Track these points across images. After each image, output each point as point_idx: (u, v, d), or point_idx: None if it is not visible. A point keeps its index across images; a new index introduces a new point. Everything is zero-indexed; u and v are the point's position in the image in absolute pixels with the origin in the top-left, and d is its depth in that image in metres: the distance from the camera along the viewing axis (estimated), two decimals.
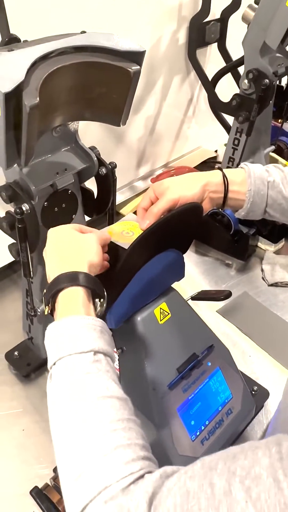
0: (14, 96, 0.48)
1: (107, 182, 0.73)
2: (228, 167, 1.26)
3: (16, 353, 0.90)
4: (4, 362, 0.90)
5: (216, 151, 1.55)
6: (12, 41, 0.59)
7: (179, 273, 0.69)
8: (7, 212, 0.69)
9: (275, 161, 1.44)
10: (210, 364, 0.72)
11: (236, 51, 1.20)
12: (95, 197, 0.78)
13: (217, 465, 0.35)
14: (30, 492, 0.66)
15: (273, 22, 0.97)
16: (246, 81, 1.10)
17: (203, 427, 0.70)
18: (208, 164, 1.49)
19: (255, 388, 0.83)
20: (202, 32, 1.21)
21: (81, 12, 0.93)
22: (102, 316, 0.55)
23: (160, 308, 0.66)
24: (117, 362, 0.70)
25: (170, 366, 0.67)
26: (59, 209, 0.73)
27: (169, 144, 1.43)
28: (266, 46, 1.03)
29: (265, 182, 0.65)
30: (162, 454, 0.67)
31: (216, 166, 0.69)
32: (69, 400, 0.41)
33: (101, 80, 0.58)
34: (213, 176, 0.65)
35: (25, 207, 0.63)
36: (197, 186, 0.63)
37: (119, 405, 0.41)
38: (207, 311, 1.02)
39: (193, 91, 1.38)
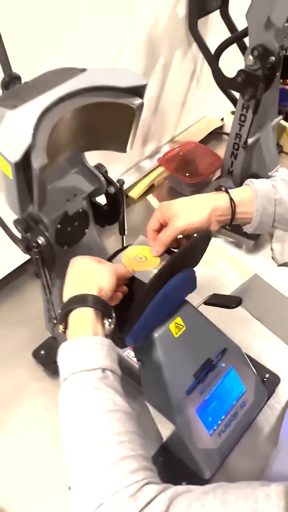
0: (23, 160, 0.49)
1: (116, 199, 0.75)
2: (235, 143, 1.24)
3: (42, 351, 0.97)
4: (33, 360, 0.97)
5: (222, 119, 1.51)
6: (13, 80, 0.59)
7: (192, 286, 0.72)
8: (23, 237, 0.72)
9: (283, 129, 1.41)
10: (224, 365, 0.77)
11: (240, 17, 1.13)
12: (106, 209, 0.79)
13: (229, 501, 0.41)
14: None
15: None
16: (251, 57, 1.05)
17: (219, 422, 0.77)
18: (214, 137, 1.46)
19: (267, 375, 0.89)
20: (203, 1, 1.14)
21: None
22: (120, 338, 0.60)
23: (175, 323, 0.71)
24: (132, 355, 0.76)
25: (187, 373, 0.72)
26: (72, 227, 0.76)
27: (174, 118, 1.40)
28: (271, 21, 0.97)
29: (272, 200, 0.66)
30: (183, 449, 0.74)
31: (223, 189, 0.69)
32: (79, 412, 0.47)
33: (105, 117, 0.58)
34: (220, 200, 0.66)
35: (40, 240, 0.66)
36: (205, 213, 0.64)
37: (125, 418, 0.47)
38: None
39: (196, 62, 1.32)
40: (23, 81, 0.61)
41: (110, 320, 0.56)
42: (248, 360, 0.82)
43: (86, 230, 0.79)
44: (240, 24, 1.13)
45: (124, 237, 0.84)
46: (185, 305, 0.72)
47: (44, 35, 0.86)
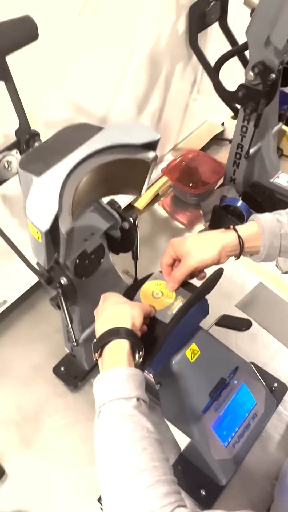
0: (52, 227, 0.53)
1: (130, 233, 0.78)
2: (237, 153, 1.27)
3: (62, 368, 1.02)
4: (53, 376, 1.03)
5: (223, 124, 1.53)
6: (33, 137, 0.62)
7: (205, 313, 0.77)
8: (45, 275, 0.76)
9: (283, 133, 1.44)
10: (236, 382, 0.83)
11: (240, 28, 1.14)
12: (120, 240, 0.84)
13: None
14: (98, 500, 0.81)
15: (279, 21, 0.93)
16: (251, 73, 1.07)
17: (233, 434, 0.83)
18: (216, 142, 1.49)
19: (275, 384, 0.95)
20: (202, 17, 1.15)
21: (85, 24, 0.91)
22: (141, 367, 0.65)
23: (191, 349, 0.76)
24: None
25: (203, 393, 0.78)
26: (89, 260, 0.80)
27: (176, 126, 1.42)
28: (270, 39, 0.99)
29: (278, 235, 0.70)
30: (201, 460, 0.81)
31: (231, 227, 0.73)
32: (116, 437, 0.52)
33: (122, 170, 0.62)
34: (229, 238, 0.70)
35: (63, 280, 0.70)
36: (215, 250, 0.69)
37: (156, 444, 0.52)
38: (227, 306, 1.11)
39: (196, 72, 1.34)
40: (40, 134, 0.65)
41: (140, 353, 0.61)
42: (257, 374, 0.88)
43: (102, 260, 0.84)
44: (240, 34, 1.14)
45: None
46: (199, 331, 0.77)
47: (49, 70, 0.88)
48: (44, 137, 0.68)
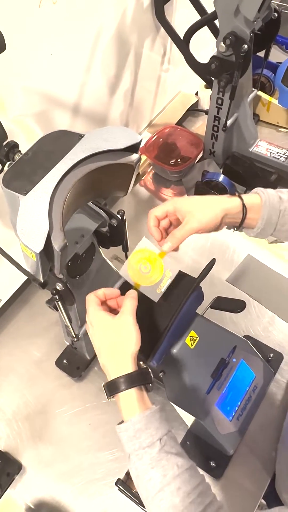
0: (45, 246, 0.53)
1: (119, 229, 0.79)
2: (214, 126, 1.26)
3: (64, 360, 1.04)
4: (56, 369, 1.05)
5: (196, 93, 1.50)
6: (12, 149, 0.61)
7: (201, 300, 0.79)
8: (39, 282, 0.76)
9: (258, 98, 1.42)
10: (235, 360, 0.86)
11: None
12: (109, 235, 0.84)
13: None
14: (116, 484, 0.86)
15: None
16: (223, 44, 1.05)
17: (236, 408, 0.87)
18: (192, 113, 1.46)
19: (271, 355, 0.99)
20: None
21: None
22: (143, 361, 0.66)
23: (190, 336, 0.78)
24: None
25: (205, 376, 0.81)
26: (81, 260, 0.80)
27: (150, 101, 1.39)
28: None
29: (277, 211, 0.69)
30: (208, 435, 0.85)
31: (236, 194, 0.71)
32: (150, 485, 0.56)
33: (106, 175, 0.61)
34: (233, 204, 0.69)
35: (58, 286, 0.71)
36: (218, 216, 0.68)
37: (189, 475, 0.56)
38: (218, 282, 1.14)
39: (165, 44, 1.30)
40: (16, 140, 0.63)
41: (151, 384, 0.62)
42: (254, 348, 0.91)
43: (93, 257, 0.84)
44: (208, 1, 1.10)
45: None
46: (196, 317, 0.79)
47: (16, 63, 0.85)
48: (17, 137, 0.66)
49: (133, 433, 0.58)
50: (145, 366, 0.62)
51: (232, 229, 0.74)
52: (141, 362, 0.63)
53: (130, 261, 0.71)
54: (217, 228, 0.70)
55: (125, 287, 0.68)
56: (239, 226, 0.72)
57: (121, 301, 0.66)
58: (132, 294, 0.65)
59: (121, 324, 0.63)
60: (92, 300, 0.66)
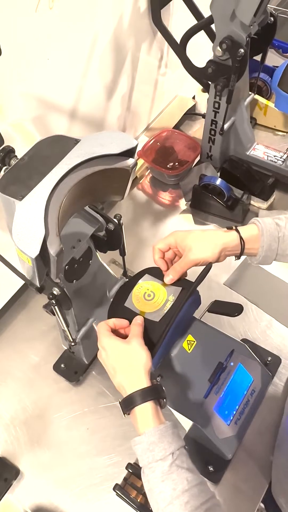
0: (41, 251, 0.53)
1: (116, 233, 0.79)
2: (211, 130, 1.26)
3: (62, 365, 1.04)
4: (54, 373, 1.05)
5: (193, 97, 1.50)
6: (8, 154, 0.61)
7: (198, 304, 0.79)
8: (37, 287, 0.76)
9: (255, 101, 1.42)
10: (232, 364, 0.86)
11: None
12: (106, 239, 0.84)
13: None
14: (114, 489, 0.85)
15: None
16: (219, 48, 1.05)
17: (234, 412, 0.86)
18: (189, 117, 1.46)
19: (269, 358, 0.99)
20: None
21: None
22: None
23: (187, 340, 0.78)
24: None
25: (203, 380, 0.81)
26: (78, 264, 0.80)
27: (147, 105, 1.40)
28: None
29: (276, 238, 0.73)
30: (206, 440, 0.85)
31: (233, 228, 0.74)
32: (161, 497, 0.57)
33: (102, 179, 0.62)
34: (231, 238, 0.73)
35: (55, 291, 0.71)
36: (216, 249, 0.72)
37: (198, 491, 0.57)
38: (215, 286, 1.14)
39: (162, 48, 1.30)
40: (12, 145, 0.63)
41: (164, 400, 0.65)
42: (251, 352, 0.91)
43: (90, 262, 0.84)
44: (205, 6, 1.10)
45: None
46: (193, 321, 0.79)
47: (14, 68, 0.85)
48: (13, 142, 0.66)
49: (147, 445, 0.60)
50: (158, 382, 0.65)
51: (234, 258, 0.78)
52: (153, 380, 0.66)
53: (134, 292, 0.75)
54: (217, 260, 0.74)
55: (129, 312, 0.73)
56: (239, 256, 0.76)
57: (128, 330, 0.70)
58: (138, 321, 0.70)
59: (132, 346, 0.67)
60: (103, 327, 0.69)
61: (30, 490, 0.91)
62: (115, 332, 0.71)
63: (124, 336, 0.70)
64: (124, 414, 0.64)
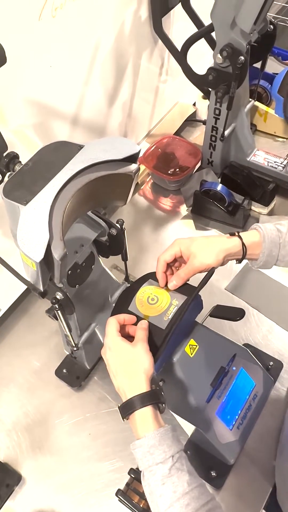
0: (45, 255, 0.54)
1: (119, 238, 0.79)
2: (212, 136, 1.27)
3: (64, 370, 1.04)
4: (56, 378, 1.05)
5: (194, 104, 1.52)
6: (12, 160, 0.62)
7: (200, 308, 0.79)
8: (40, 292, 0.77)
9: (255, 108, 1.44)
10: (234, 368, 0.86)
11: (204, 8, 1.11)
12: (108, 244, 0.84)
13: None
14: (116, 494, 0.85)
15: (245, 3, 0.91)
16: (219, 55, 1.06)
17: (237, 417, 0.87)
18: (190, 124, 1.47)
19: (271, 363, 0.99)
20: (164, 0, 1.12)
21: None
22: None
23: (190, 345, 0.78)
24: None
25: (205, 384, 0.81)
26: (81, 269, 0.81)
27: (148, 112, 1.41)
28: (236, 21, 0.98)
29: (277, 244, 0.74)
30: (208, 444, 0.85)
31: (236, 234, 0.75)
32: (161, 500, 0.57)
33: (105, 185, 0.62)
34: (233, 244, 0.75)
35: (58, 295, 0.71)
36: (220, 257, 0.73)
37: (198, 493, 0.57)
38: (217, 291, 1.14)
39: (163, 55, 1.31)
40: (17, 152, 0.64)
41: (164, 404, 0.65)
42: (253, 357, 0.91)
43: (92, 266, 0.85)
44: (205, 14, 1.12)
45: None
46: (195, 326, 0.80)
47: (17, 75, 0.86)
48: (17, 148, 0.67)
49: (147, 448, 0.59)
50: (158, 388, 0.65)
51: (235, 262, 0.79)
52: (153, 385, 0.66)
53: (138, 296, 0.75)
54: (220, 265, 0.76)
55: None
56: (241, 261, 0.78)
57: (133, 330, 0.71)
58: (143, 325, 0.70)
59: (136, 350, 0.67)
60: (112, 323, 0.69)
61: (32, 496, 0.91)
62: (122, 329, 0.71)
63: (129, 335, 0.71)
64: (123, 418, 0.64)
